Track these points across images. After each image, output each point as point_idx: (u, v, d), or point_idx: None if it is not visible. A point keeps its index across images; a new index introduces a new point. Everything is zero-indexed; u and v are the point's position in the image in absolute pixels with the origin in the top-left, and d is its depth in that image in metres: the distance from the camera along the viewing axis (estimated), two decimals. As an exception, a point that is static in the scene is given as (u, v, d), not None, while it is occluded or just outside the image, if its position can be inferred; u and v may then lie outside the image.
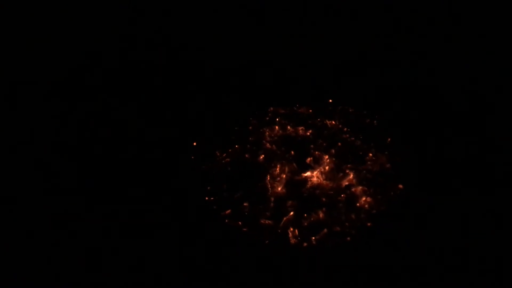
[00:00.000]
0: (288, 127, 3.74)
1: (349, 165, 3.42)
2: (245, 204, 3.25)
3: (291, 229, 3.11)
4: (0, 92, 4.06)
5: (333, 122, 3.77)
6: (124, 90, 4.16)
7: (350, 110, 3.85)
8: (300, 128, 3.72)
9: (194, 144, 3.68)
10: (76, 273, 2.99)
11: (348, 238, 3.04)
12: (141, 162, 3.57)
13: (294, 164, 3.44)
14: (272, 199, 3.27)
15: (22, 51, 4.29)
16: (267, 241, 3.08)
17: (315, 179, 3.36)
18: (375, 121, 3.74)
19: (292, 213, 3.18)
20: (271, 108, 3.93)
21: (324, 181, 3.35)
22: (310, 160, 3.46)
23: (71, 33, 4.47)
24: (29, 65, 4.23)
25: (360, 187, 3.30)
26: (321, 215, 3.15)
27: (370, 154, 3.50)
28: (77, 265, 3.02)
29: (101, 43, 4.44)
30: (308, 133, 3.68)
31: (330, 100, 3.94)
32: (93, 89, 4.15)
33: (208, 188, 3.38)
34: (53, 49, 4.37)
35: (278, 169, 3.42)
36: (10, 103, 3.98)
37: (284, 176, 3.38)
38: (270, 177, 3.38)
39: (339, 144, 3.58)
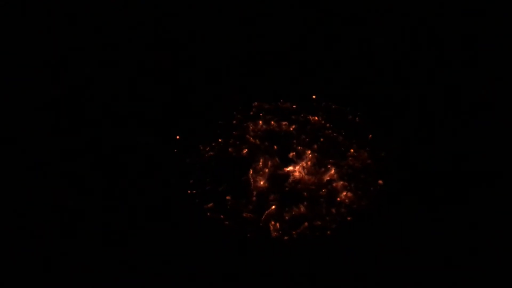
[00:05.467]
0: (272, 122, 3.77)
1: (331, 161, 3.47)
2: (227, 197, 3.27)
3: (273, 222, 3.14)
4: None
5: (316, 118, 3.81)
6: (106, 83, 4.11)
7: (333, 107, 3.90)
8: (284, 123, 3.75)
9: (178, 137, 3.67)
10: (66, 274, 2.98)
11: (328, 232, 3.09)
12: (123, 155, 3.54)
13: (277, 159, 3.47)
14: (255, 193, 3.29)
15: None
16: (248, 234, 3.10)
17: (297, 173, 3.40)
18: (357, 118, 3.80)
19: (274, 207, 3.22)
20: (256, 103, 3.94)
21: (306, 176, 3.39)
22: (293, 155, 3.50)
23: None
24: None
25: (341, 182, 3.35)
26: (302, 209, 3.20)
27: (352, 150, 3.55)
28: (65, 267, 3.01)
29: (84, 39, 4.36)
30: (292, 128, 3.72)
31: (314, 96, 3.97)
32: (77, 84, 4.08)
33: (191, 181, 3.38)
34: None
35: (261, 163, 3.45)
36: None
37: (266, 170, 3.41)
38: (253, 171, 3.40)
39: (322, 139, 3.62)
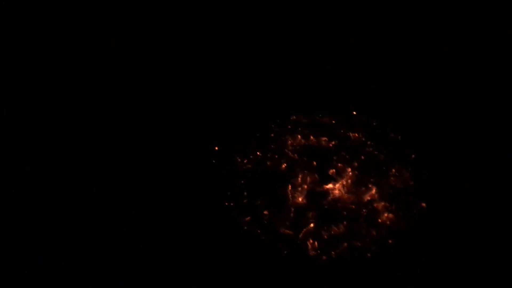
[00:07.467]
0: (311, 137, 3.72)
1: (371, 179, 3.38)
2: (265, 212, 3.23)
3: (311, 241, 3.08)
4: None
5: (357, 134, 3.73)
6: (144, 92, 4.15)
7: (374, 123, 3.81)
8: (323, 138, 3.69)
9: (216, 148, 3.67)
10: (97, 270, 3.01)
11: (369, 254, 3.00)
12: (161, 165, 3.57)
13: (316, 175, 3.41)
14: (293, 209, 3.24)
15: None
16: (285, 251, 3.05)
17: (337, 191, 3.33)
18: (399, 136, 3.70)
19: (312, 224, 3.15)
20: (294, 117, 3.90)
21: (346, 194, 3.31)
22: (333, 172, 3.43)
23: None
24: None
25: (382, 203, 3.26)
26: (341, 228, 3.12)
27: (393, 170, 3.45)
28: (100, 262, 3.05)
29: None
30: (331, 145, 3.65)
31: (354, 112, 3.90)
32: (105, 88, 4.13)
33: (228, 193, 3.36)
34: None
35: (300, 179, 3.40)
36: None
37: (305, 186, 3.35)
38: (291, 187, 3.36)
39: (362, 157, 3.54)
